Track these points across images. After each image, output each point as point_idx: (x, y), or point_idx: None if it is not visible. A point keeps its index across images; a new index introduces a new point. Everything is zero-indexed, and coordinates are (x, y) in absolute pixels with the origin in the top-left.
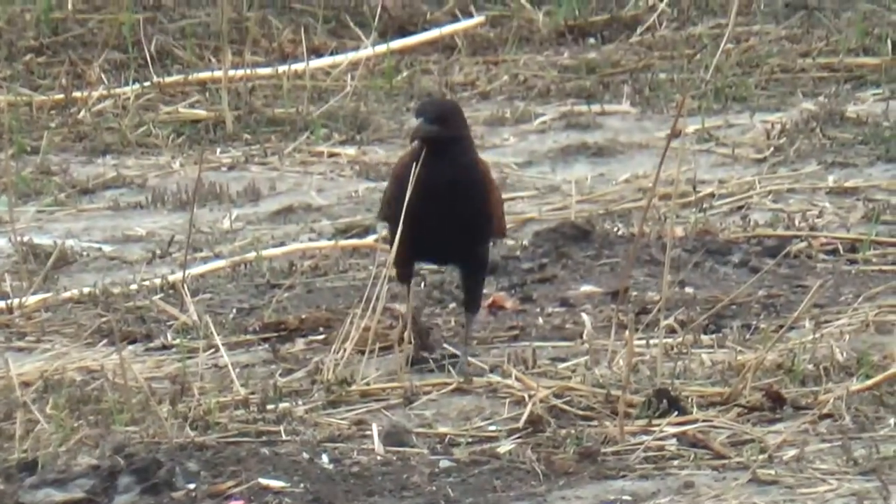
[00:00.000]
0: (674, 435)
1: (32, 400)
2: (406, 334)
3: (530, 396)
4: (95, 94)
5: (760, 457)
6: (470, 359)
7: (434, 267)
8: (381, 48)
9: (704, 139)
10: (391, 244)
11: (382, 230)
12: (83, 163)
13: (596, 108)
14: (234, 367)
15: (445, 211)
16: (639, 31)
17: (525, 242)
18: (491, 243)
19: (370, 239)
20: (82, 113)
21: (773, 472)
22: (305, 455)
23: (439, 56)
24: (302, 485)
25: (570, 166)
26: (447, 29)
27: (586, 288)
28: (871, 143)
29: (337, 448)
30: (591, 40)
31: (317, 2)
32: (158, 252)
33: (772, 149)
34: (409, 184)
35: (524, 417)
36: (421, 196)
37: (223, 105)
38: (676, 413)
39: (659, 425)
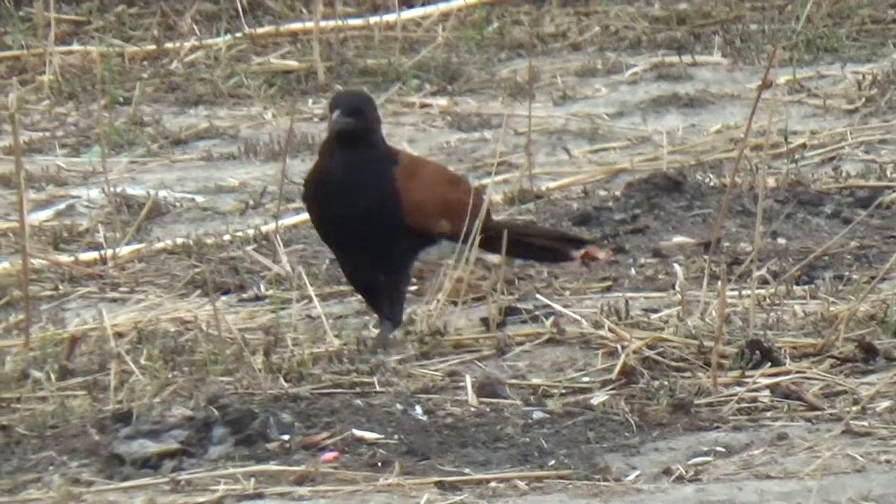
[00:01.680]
0: (767, 386)
1: (126, 351)
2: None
3: (623, 348)
4: (187, 45)
5: (853, 408)
6: (560, 308)
7: None
8: None
9: (795, 90)
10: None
11: (474, 181)
12: (175, 113)
13: (687, 59)
14: (328, 318)
15: (356, 208)
16: None
17: (617, 193)
18: (419, 250)
19: None
20: (174, 64)
21: (866, 423)
22: (399, 406)
23: (530, 7)
24: (396, 436)
25: (661, 117)
26: None
27: (678, 239)
28: None
29: (430, 399)
30: None
31: None
32: (251, 203)
33: (863, 100)
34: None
35: (617, 369)
36: (329, 193)
37: (315, 56)
38: (769, 364)
39: (752, 377)
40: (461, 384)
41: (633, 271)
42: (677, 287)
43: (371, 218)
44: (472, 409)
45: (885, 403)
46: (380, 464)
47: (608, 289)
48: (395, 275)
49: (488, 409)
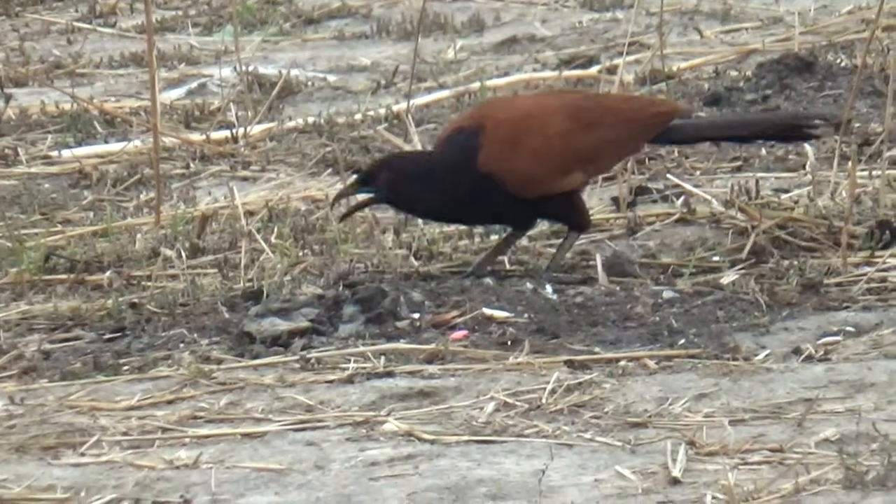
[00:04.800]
0: None
1: (257, 229)
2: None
3: (753, 227)
4: None
5: None
6: (691, 188)
7: None
8: None
9: None
10: None
11: (606, 61)
12: None
13: None
14: None
15: None
16: None
17: (748, 74)
18: None
19: (594, 69)
20: None
21: None
22: (529, 285)
23: None
24: (525, 315)
25: None
26: None
27: None
28: None
29: (560, 278)
30: None
31: None
32: (383, 82)
33: None
34: None
35: (747, 248)
36: None
37: None
38: None
39: (881, 256)
40: (591, 263)
41: (763, 151)
42: (808, 167)
43: None
44: (602, 288)
45: None
46: (509, 342)
47: (738, 169)
48: None
49: (618, 289)
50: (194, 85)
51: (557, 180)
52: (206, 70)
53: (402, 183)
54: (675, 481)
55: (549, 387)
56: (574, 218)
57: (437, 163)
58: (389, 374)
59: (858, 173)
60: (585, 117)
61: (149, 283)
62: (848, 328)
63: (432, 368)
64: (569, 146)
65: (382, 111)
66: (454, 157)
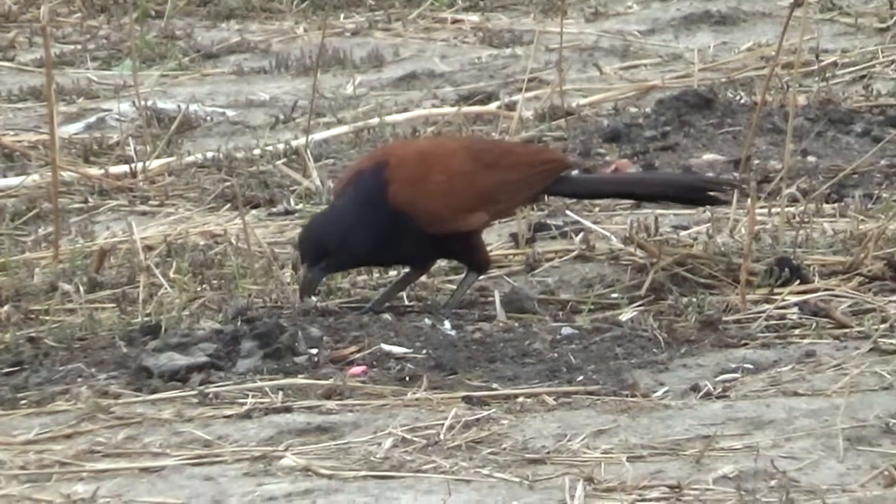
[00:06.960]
0: (795, 304)
1: (156, 264)
2: None
3: (652, 264)
4: None
5: (882, 326)
6: (590, 225)
7: None
8: None
9: (827, 8)
10: None
11: (505, 97)
12: (207, 27)
13: None
14: None
15: None
16: None
17: (648, 110)
18: None
19: (493, 105)
20: None
21: (894, 341)
22: (428, 321)
23: None
24: (424, 351)
25: (692, 34)
26: None
27: (708, 156)
28: None
29: (459, 314)
30: None
31: None
32: (282, 117)
33: (895, 18)
34: None
35: (646, 285)
36: None
37: None
38: (798, 282)
39: (780, 294)
40: (490, 299)
41: None
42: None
43: None
44: (501, 324)
45: None
46: (408, 378)
47: (637, 205)
48: None
49: (517, 325)
50: (93, 119)
51: (463, 218)
52: (105, 104)
53: (331, 241)
54: None
55: (447, 423)
56: (475, 258)
57: (348, 207)
58: (287, 410)
59: (758, 210)
60: (485, 158)
61: (47, 318)
62: (746, 365)
63: (330, 404)
64: (472, 185)
65: (281, 146)
66: (364, 197)
